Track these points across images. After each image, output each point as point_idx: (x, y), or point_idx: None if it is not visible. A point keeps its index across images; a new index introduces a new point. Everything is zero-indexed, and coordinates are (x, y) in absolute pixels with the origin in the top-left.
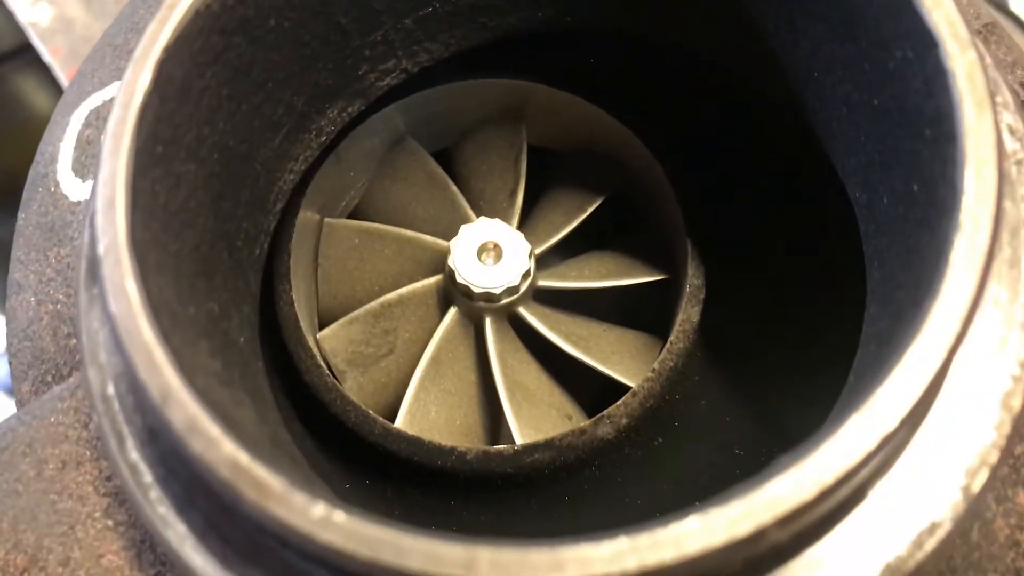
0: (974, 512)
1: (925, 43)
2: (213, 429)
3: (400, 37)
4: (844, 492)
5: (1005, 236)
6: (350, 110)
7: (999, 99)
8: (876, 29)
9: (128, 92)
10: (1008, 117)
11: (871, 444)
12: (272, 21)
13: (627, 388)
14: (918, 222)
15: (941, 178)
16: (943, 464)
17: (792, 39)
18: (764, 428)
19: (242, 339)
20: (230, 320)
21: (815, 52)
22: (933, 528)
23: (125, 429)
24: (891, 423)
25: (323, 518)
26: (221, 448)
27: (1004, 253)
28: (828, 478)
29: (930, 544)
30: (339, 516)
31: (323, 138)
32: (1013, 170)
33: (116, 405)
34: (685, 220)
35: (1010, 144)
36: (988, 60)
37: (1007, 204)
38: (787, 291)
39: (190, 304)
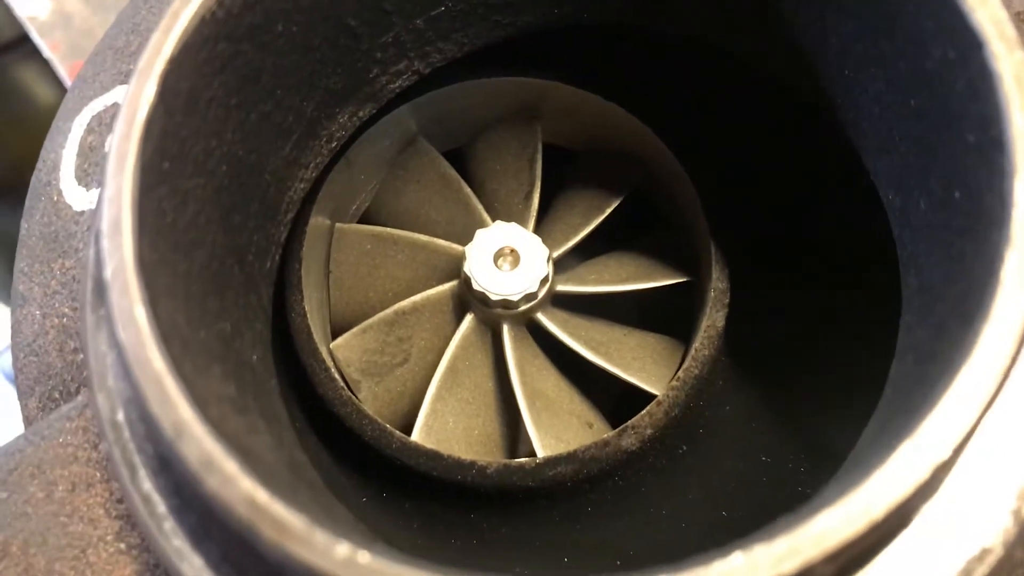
0: None
1: (968, 43)
2: (229, 465)
3: (411, 38)
4: (892, 523)
5: None
6: (361, 114)
7: None
8: (913, 27)
9: (132, 106)
10: None
11: (923, 474)
12: (280, 26)
13: (650, 395)
14: (961, 231)
15: (988, 188)
16: (992, 486)
17: (820, 35)
18: (791, 435)
19: (255, 357)
20: (242, 339)
21: (846, 49)
22: (983, 555)
23: (137, 459)
24: (944, 452)
25: (347, 559)
26: (238, 485)
27: None
28: (878, 511)
29: (980, 572)
30: (363, 557)
31: (333, 144)
32: None
33: (126, 433)
34: (708, 221)
35: None
36: None
37: None
38: (816, 293)
39: (201, 327)
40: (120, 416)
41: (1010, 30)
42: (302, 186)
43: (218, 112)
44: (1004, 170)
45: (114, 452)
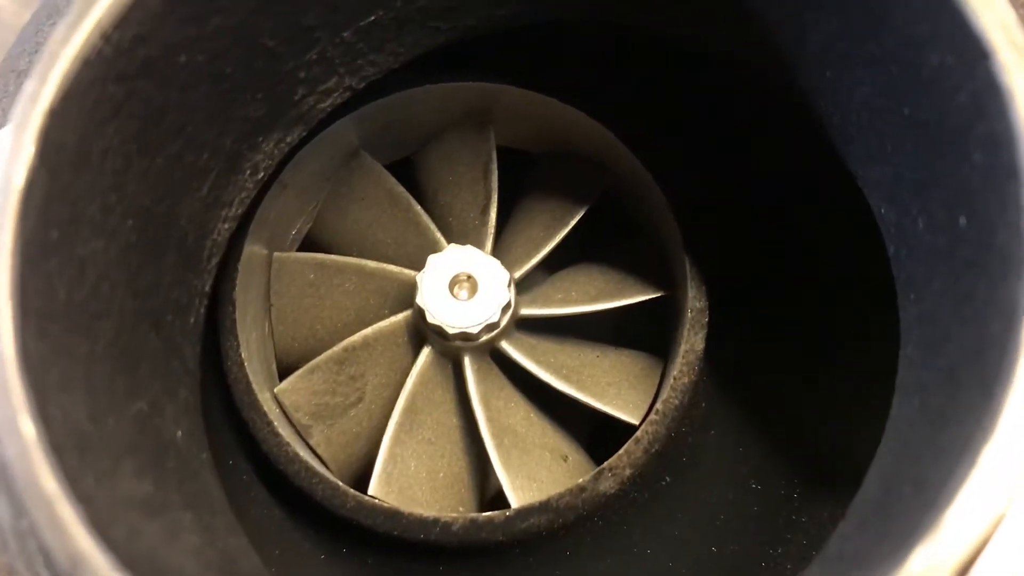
0: None
1: (971, 51)
2: None
3: (339, 52)
4: None
5: None
6: (289, 139)
7: None
8: (905, 29)
9: (6, 173)
10: None
11: None
12: (183, 57)
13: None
14: (969, 264)
15: (1000, 219)
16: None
17: (798, 32)
18: (781, 458)
19: (179, 433)
20: (163, 415)
21: (827, 48)
22: None
23: (44, 573)
24: (967, 548)
25: None
26: None
27: None
28: None
29: None
30: None
31: (260, 175)
32: None
33: (32, 544)
34: (682, 232)
35: None
36: None
37: None
38: (801, 309)
39: (109, 415)
40: (24, 523)
41: (1020, 36)
42: (227, 226)
43: (115, 162)
44: (1021, 204)
45: (19, 566)
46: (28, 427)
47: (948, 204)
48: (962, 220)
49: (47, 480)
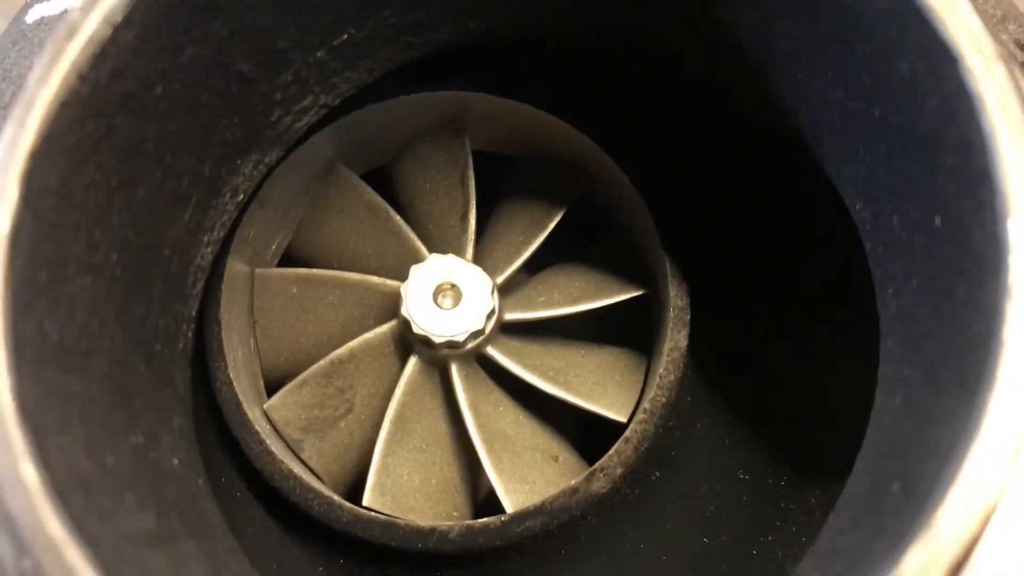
0: None
1: (939, 58)
2: None
3: (314, 72)
4: None
5: None
6: (267, 160)
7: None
8: (875, 36)
9: None
10: None
11: None
12: (159, 89)
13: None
14: (947, 265)
15: (975, 222)
16: (1013, 554)
17: (767, 37)
18: (767, 448)
19: (176, 461)
20: (159, 446)
21: (798, 53)
22: None
23: None
24: (959, 546)
25: None
26: None
27: None
28: None
29: None
30: None
31: (240, 197)
32: None
33: None
34: (660, 233)
35: None
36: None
37: None
38: (781, 302)
39: (107, 451)
40: (27, 562)
41: (986, 42)
42: (210, 250)
43: (98, 198)
44: (995, 209)
45: None
46: (30, 473)
47: (922, 205)
48: (937, 220)
49: (53, 526)
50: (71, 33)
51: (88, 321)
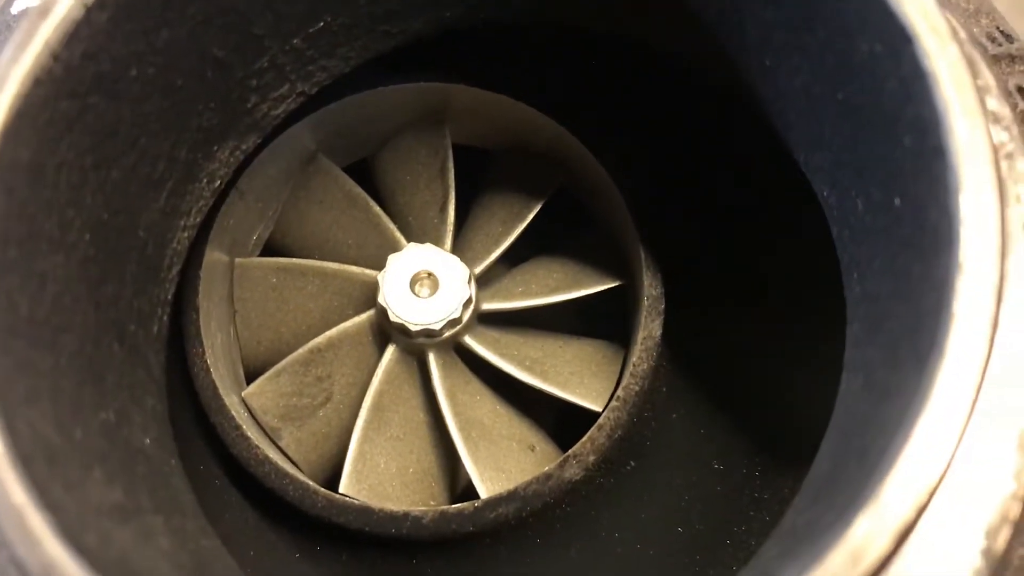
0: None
1: (896, 38)
2: None
3: (290, 60)
4: None
5: None
6: (244, 147)
7: (980, 81)
8: (836, 18)
9: None
10: (992, 103)
11: (884, 544)
12: (134, 71)
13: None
14: (904, 242)
15: (930, 198)
16: (959, 528)
17: (736, 23)
18: (741, 438)
19: (148, 440)
20: (130, 424)
21: (766, 38)
22: None
23: None
24: (905, 514)
25: None
26: None
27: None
28: None
29: None
30: None
31: (217, 183)
32: (1004, 167)
33: (3, 555)
34: (635, 223)
35: (996, 135)
36: (963, 35)
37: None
38: (756, 292)
39: (76, 426)
40: None
41: (940, 22)
42: (186, 235)
43: (71, 177)
44: (948, 184)
45: None
46: None
47: (884, 186)
48: (897, 201)
49: (15, 491)
50: (44, 12)
51: (60, 298)
